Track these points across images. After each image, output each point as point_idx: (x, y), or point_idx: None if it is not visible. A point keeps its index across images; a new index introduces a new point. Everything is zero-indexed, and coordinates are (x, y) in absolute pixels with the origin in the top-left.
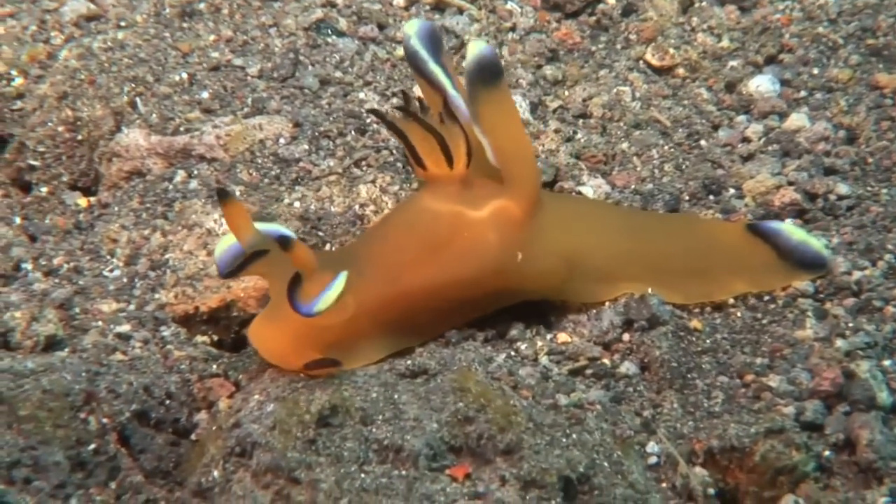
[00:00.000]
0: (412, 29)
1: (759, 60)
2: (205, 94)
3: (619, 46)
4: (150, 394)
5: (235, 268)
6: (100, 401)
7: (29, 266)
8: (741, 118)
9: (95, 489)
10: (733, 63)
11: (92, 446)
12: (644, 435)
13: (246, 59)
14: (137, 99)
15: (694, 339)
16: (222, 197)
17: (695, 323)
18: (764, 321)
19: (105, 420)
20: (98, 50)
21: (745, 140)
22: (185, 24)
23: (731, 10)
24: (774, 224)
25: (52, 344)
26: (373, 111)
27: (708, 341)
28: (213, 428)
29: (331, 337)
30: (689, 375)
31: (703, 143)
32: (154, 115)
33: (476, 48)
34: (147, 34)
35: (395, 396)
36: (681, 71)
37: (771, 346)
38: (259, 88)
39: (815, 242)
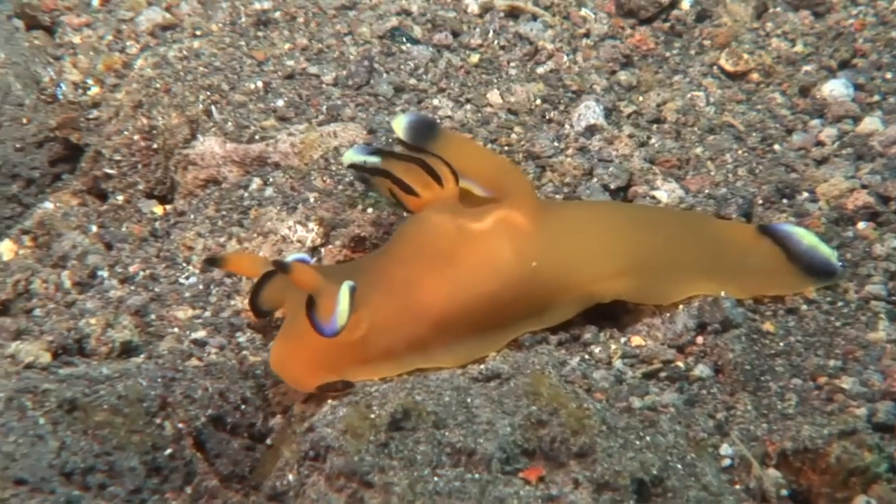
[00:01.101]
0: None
1: (832, 65)
2: (280, 102)
3: (692, 52)
4: (226, 399)
5: (252, 294)
6: (175, 406)
7: (105, 273)
8: (815, 122)
9: (171, 494)
10: (807, 67)
11: (168, 451)
12: (717, 437)
13: (321, 67)
14: (213, 107)
15: (767, 341)
16: (216, 264)
17: (768, 325)
18: (837, 324)
19: (181, 425)
20: (173, 59)
21: (819, 144)
22: (259, 33)
23: (805, 16)
24: (786, 226)
25: (127, 350)
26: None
27: (781, 344)
28: (288, 432)
29: (346, 357)
30: (762, 378)
31: (776, 147)
32: (229, 123)
33: (401, 121)
34: (222, 43)
35: (468, 400)
36: (755, 76)
37: (844, 348)
38: (334, 96)
39: (824, 249)
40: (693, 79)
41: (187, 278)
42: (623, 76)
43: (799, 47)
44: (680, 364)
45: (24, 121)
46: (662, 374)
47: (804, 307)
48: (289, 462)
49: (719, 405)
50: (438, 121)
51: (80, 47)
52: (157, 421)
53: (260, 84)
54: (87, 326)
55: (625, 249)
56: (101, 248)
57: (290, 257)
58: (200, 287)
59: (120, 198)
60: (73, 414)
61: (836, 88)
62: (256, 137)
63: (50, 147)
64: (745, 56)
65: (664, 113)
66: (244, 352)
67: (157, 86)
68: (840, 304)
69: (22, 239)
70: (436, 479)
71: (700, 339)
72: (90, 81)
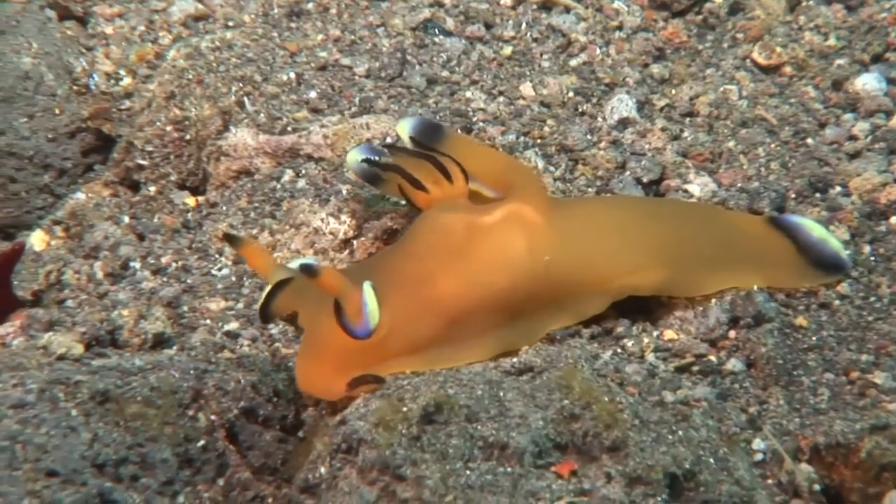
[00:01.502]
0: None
1: (865, 59)
2: (312, 94)
3: (725, 45)
4: (258, 391)
5: (265, 301)
6: (208, 398)
7: (137, 265)
8: (848, 116)
9: (203, 486)
10: (840, 61)
11: (200, 443)
12: (750, 432)
13: (354, 59)
14: (245, 98)
15: (800, 336)
16: (232, 242)
17: (800, 320)
18: (870, 318)
19: (213, 417)
20: (206, 49)
21: (852, 138)
22: (292, 24)
23: (837, 9)
24: (796, 217)
25: (160, 342)
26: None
27: (814, 338)
28: (321, 424)
29: (371, 358)
30: (794, 372)
31: (809, 140)
32: (262, 115)
33: (405, 125)
34: (255, 34)
35: (501, 394)
36: (788, 69)
37: (876, 343)
38: (367, 88)
39: (834, 242)
40: (726, 72)
41: (220, 270)
42: (656, 69)
43: (832, 41)
44: (712, 358)
45: (57, 111)
46: (695, 369)
47: (837, 302)
48: (321, 455)
49: (752, 399)
50: (443, 124)
51: (112, 38)
52: (190, 413)
53: (293, 75)
54: (120, 318)
55: (651, 242)
56: (133, 238)
57: (295, 263)
58: (233, 279)
59: (152, 189)
60: (106, 406)
61: (868, 83)
62: (289, 129)
63: (82, 138)
64: (778, 49)
65: (697, 106)
66: (276, 344)
67: (190, 77)
68: (873, 298)
69: (54, 229)
70: (468, 472)
71: (732, 333)
72: (122, 72)
